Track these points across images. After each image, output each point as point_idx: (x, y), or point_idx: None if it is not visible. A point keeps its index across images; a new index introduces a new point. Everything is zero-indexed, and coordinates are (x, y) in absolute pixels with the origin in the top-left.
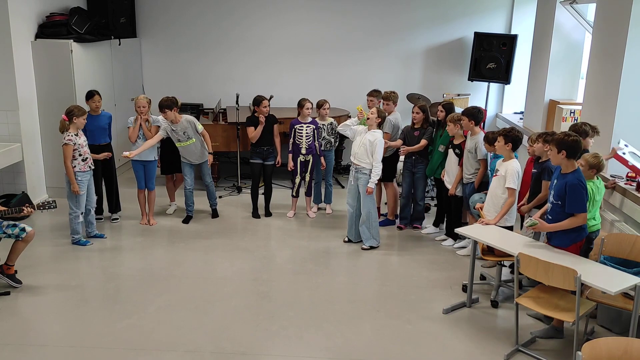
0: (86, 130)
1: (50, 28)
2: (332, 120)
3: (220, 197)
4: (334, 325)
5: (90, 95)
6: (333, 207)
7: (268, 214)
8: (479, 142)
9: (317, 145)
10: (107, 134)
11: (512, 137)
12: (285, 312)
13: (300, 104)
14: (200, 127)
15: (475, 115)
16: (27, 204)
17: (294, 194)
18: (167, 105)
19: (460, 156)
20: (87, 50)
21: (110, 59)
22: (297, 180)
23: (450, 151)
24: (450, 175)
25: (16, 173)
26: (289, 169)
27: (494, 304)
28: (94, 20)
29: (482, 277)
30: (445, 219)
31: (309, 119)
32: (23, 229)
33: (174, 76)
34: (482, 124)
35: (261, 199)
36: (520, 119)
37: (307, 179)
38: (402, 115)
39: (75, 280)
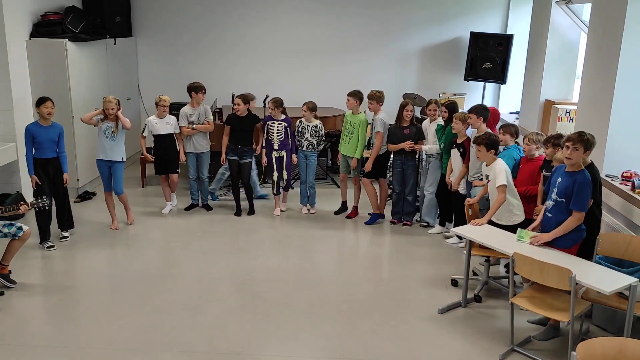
0: (34, 141)
1: (45, 27)
2: (317, 122)
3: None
4: (330, 325)
5: (42, 101)
6: (331, 208)
7: (251, 212)
8: None
9: (290, 142)
10: (54, 148)
11: (493, 142)
12: (280, 311)
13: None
14: (210, 117)
15: (482, 112)
16: (21, 202)
17: (274, 191)
18: (196, 88)
19: (463, 155)
20: (82, 49)
21: (106, 59)
22: (275, 177)
23: (454, 150)
24: (455, 174)
25: (10, 173)
26: (263, 164)
27: (478, 299)
28: (89, 20)
29: (474, 273)
30: (454, 217)
31: (282, 117)
32: (20, 228)
33: (170, 76)
34: (496, 121)
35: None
36: (516, 118)
37: (284, 176)
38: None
39: (69, 281)
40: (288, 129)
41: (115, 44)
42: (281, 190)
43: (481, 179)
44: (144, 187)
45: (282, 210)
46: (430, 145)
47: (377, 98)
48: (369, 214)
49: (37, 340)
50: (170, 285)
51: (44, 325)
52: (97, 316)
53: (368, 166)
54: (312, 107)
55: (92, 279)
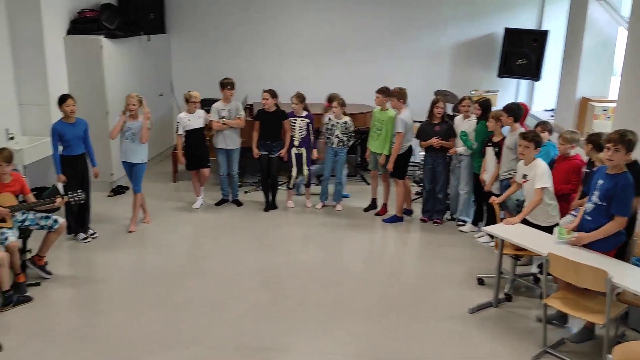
0: (62, 140)
1: (82, 24)
2: (347, 119)
3: (246, 192)
4: (356, 323)
5: (63, 99)
6: (360, 205)
7: (273, 206)
8: (518, 138)
9: (311, 138)
10: (82, 144)
11: (540, 139)
12: (308, 308)
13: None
14: (242, 113)
15: (514, 111)
16: (57, 196)
17: (290, 186)
18: (223, 84)
19: (498, 154)
20: (117, 46)
21: (140, 55)
22: (294, 173)
23: (489, 149)
24: (488, 173)
25: (47, 166)
26: (284, 159)
27: (508, 298)
28: (124, 17)
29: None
30: (486, 216)
31: (304, 113)
32: (55, 221)
33: (202, 72)
34: (523, 119)
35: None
36: (551, 116)
37: (306, 172)
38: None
39: (100, 274)
40: (310, 125)
41: (149, 40)
42: (302, 186)
43: (510, 178)
44: (176, 182)
45: (306, 206)
46: (465, 146)
47: (397, 95)
48: (406, 211)
49: (68, 331)
50: (198, 280)
51: (76, 317)
52: (127, 309)
53: (390, 166)
54: (342, 103)
55: (123, 273)
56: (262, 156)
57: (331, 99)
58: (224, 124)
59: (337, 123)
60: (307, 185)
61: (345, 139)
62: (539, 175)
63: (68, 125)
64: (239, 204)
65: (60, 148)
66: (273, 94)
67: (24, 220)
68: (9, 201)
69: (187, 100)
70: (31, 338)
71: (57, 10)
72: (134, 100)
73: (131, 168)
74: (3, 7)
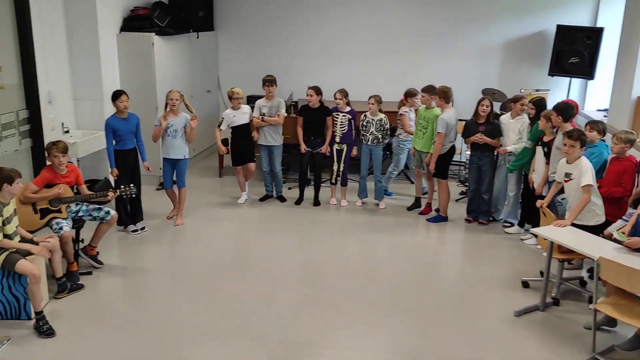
0: (115, 134)
1: (134, 21)
2: (382, 116)
3: (290, 188)
4: (400, 322)
5: (117, 95)
6: (404, 203)
7: (316, 203)
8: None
9: (352, 135)
10: (133, 138)
11: (585, 138)
12: (351, 305)
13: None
14: (282, 111)
15: (564, 110)
16: (110, 189)
17: (332, 182)
18: (267, 80)
19: (547, 155)
20: (168, 43)
21: (189, 52)
22: (335, 168)
23: (539, 149)
24: (538, 174)
25: (100, 159)
26: (326, 154)
27: (556, 302)
28: (175, 14)
29: (542, 274)
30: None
31: (347, 109)
32: (107, 212)
33: (249, 69)
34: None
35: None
36: (605, 116)
37: (342, 168)
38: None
39: (148, 264)
40: (352, 121)
41: (197, 37)
42: (339, 183)
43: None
44: (221, 177)
45: (340, 205)
46: (516, 145)
47: (439, 94)
48: (435, 209)
49: (117, 319)
50: (243, 274)
51: (124, 305)
52: (174, 299)
53: (431, 166)
54: (379, 100)
55: (170, 264)
56: (305, 152)
57: (409, 93)
58: (263, 120)
59: (373, 120)
60: (343, 184)
61: (380, 136)
62: (583, 172)
63: (121, 120)
64: (282, 199)
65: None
66: (317, 90)
67: (77, 211)
68: (66, 192)
69: (230, 97)
70: (82, 324)
71: (111, 9)
72: (176, 95)
73: (174, 165)
74: (61, 5)
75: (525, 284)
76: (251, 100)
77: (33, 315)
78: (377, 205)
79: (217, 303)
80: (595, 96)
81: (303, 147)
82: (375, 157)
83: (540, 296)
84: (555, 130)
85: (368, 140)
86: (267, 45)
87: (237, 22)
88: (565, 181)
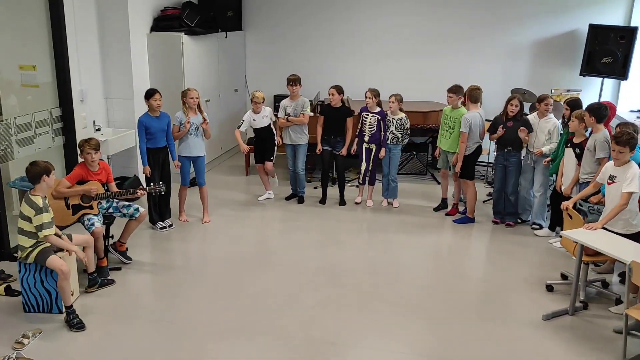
0: (147, 132)
1: (164, 21)
2: (403, 115)
3: (315, 187)
4: (424, 323)
5: (151, 94)
6: (430, 204)
7: (342, 203)
8: (598, 139)
9: (381, 135)
10: (164, 137)
11: (636, 141)
12: (375, 305)
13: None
14: (307, 110)
15: (597, 111)
16: (140, 187)
17: (360, 181)
18: (291, 80)
19: (579, 156)
20: (197, 42)
21: (217, 52)
22: (363, 167)
23: (569, 150)
24: (567, 175)
25: (129, 157)
26: (352, 152)
27: (585, 306)
28: (204, 14)
29: (564, 277)
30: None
31: (377, 109)
32: (137, 209)
33: (276, 68)
34: (611, 118)
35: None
36: (638, 117)
37: (368, 167)
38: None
39: (175, 261)
40: (381, 122)
41: (226, 37)
42: (367, 182)
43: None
44: (247, 175)
45: (366, 205)
46: (550, 146)
47: (466, 94)
48: (461, 211)
49: (145, 314)
50: (268, 272)
51: (152, 301)
52: (200, 296)
53: (457, 167)
54: (400, 99)
55: (197, 261)
56: (325, 151)
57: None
58: (288, 120)
59: (393, 119)
60: (371, 183)
61: (399, 135)
62: (629, 178)
63: (153, 119)
64: (301, 200)
65: None
66: (340, 90)
67: (108, 208)
68: (98, 189)
69: (252, 99)
70: (111, 319)
71: (142, 9)
72: (196, 94)
73: (194, 162)
74: (93, 6)
75: (550, 288)
76: (277, 99)
77: (64, 309)
78: (391, 204)
79: (242, 300)
80: (628, 97)
81: (319, 147)
82: (394, 156)
83: (570, 300)
84: (588, 131)
85: (388, 139)
86: (295, 45)
87: (265, 22)
88: (609, 183)
